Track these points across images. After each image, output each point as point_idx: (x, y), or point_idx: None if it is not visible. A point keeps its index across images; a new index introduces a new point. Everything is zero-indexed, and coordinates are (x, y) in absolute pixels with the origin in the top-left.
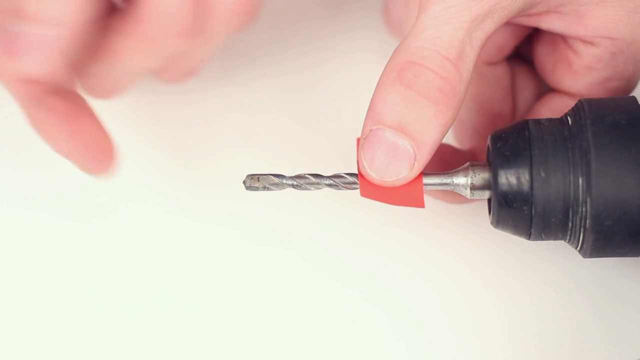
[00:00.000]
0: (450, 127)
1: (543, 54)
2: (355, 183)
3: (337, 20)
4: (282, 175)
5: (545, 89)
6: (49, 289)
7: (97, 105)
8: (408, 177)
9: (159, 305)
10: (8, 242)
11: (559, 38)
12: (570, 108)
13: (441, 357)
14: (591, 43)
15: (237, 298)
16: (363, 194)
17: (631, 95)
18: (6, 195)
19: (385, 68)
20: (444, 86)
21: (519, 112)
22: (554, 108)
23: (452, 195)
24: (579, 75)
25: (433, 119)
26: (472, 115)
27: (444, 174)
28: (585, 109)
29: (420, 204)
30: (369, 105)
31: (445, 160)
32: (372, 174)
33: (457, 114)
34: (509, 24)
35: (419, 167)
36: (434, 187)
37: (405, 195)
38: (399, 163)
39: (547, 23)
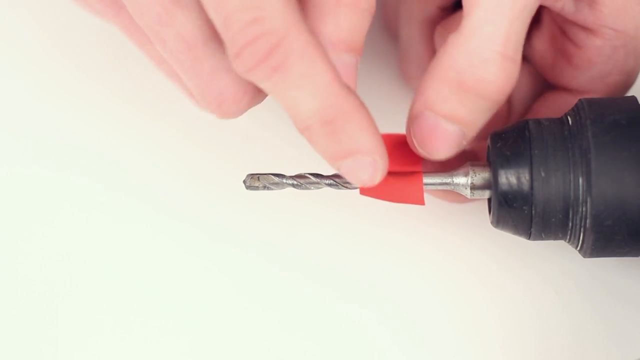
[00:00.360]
0: None
1: (542, 50)
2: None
3: None
4: (282, 175)
5: (541, 87)
6: (49, 288)
7: (97, 107)
8: (455, 154)
9: (158, 304)
10: (7, 243)
11: (558, 32)
12: (570, 105)
13: (441, 356)
14: (594, 33)
15: (236, 297)
16: (363, 193)
17: (631, 95)
18: (5, 196)
19: (440, 61)
20: (504, 86)
21: (515, 111)
22: (553, 107)
23: (453, 195)
24: (579, 69)
25: (487, 112)
26: None
27: (444, 173)
28: (585, 108)
29: (420, 202)
30: (420, 89)
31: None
32: (423, 152)
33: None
34: None
35: (466, 145)
36: (434, 187)
37: (406, 192)
38: (449, 145)
39: (561, 2)
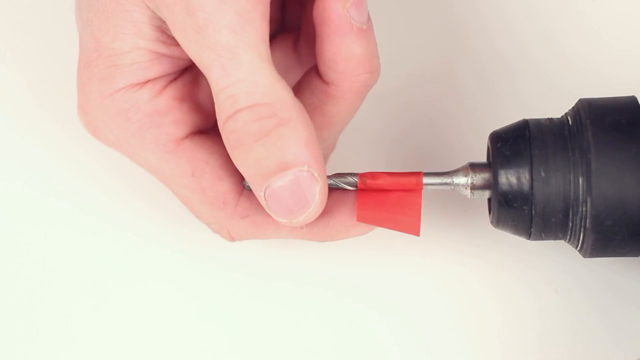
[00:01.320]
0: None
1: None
2: (355, 182)
3: None
4: None
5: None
6: (48, 287)
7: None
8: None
9: (159, 305)
10: (7, 243)
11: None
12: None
13: (441, 356)
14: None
15: (236, 298)
16: (360, 220)
17: (631, 95)
18: (5, 198)
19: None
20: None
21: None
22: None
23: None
24: None
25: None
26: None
27: (444, 173)
28: (585, 108)
29: (416, 231)
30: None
31: None
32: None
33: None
34: None
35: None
36: (434, 187)
37: (404, 215)
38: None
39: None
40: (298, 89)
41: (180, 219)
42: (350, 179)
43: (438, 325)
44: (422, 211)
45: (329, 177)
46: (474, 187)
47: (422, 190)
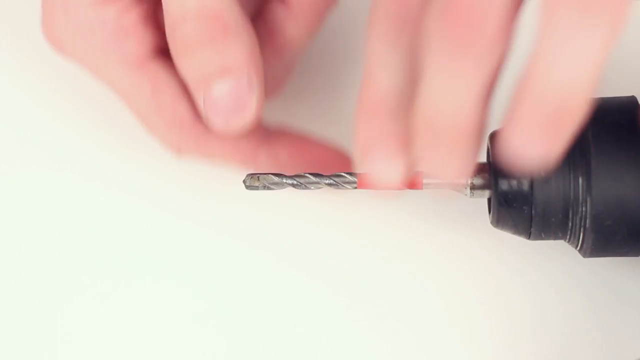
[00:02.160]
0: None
1: None
2: (355, 182)
3: (336, 21)
4: (282, 175)
5: None
6: (48, 285)
7: (91, 105)
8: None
9: (159, 305)
10: (7, 242)
11: None
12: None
13: (439, 355)
14: None
15: (235, 298)
16: (360, 187)
17: (631, 95)
18: (4, 195)
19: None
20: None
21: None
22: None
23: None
24: None
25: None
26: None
27: None
28: None
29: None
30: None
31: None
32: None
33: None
34: None
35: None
36: (432, 187)
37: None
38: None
39: None
40: (260, 13)
41: (179, 214)
42: (350, 179)
43: (436, 325)
44: (417, 206)
45: (328, 177)
46: (473, 187)
47: (422, 190)
